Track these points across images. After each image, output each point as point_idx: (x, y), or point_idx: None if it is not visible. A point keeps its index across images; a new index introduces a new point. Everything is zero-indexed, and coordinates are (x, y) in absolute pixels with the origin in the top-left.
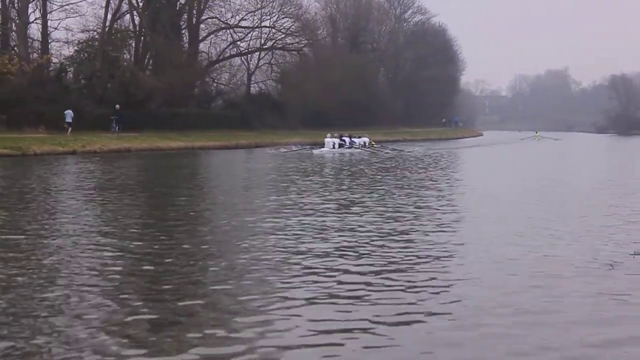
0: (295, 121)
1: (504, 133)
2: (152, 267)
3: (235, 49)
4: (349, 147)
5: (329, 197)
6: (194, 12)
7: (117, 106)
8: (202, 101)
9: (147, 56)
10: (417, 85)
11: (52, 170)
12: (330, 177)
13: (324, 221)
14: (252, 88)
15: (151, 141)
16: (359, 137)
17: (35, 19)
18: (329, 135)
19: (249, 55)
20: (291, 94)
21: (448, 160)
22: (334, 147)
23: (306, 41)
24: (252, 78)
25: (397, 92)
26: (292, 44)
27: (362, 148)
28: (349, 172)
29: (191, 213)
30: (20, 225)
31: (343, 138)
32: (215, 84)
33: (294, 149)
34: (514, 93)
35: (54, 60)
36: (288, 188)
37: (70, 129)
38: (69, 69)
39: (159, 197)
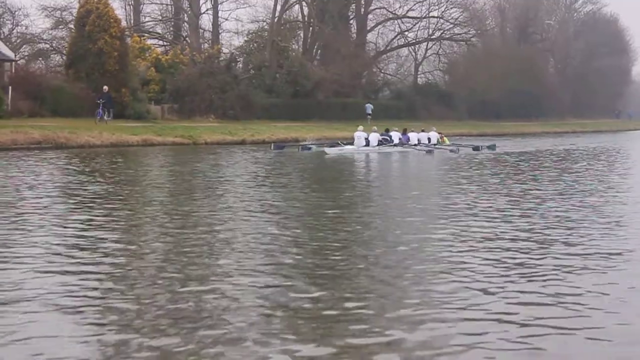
0: (462, 112)
1: None
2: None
3: (403, 40)
4: (396, 145)
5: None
6: (362, 2)
7: (105, 88)
8: (369, 91)
9: (315, 46)
10: (587, 76)
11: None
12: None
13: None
14: (419, 78)
15: (318, 131)
16: (422, 131)
17: (207, 10)
18: (360, 127)
19: (417, 46)
20: (458, 84)
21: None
22: (367, 145)
23: (474, 31)
24: (420, 68)
25: (566, 83)
26: (460, 34)
27: (416, 147)
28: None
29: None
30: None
31: (390, 133)
32: (382, 74)
33: (308, 144)
34: None
35: (224, 50)
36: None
37: (370, 117)
38: (238, 59)
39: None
